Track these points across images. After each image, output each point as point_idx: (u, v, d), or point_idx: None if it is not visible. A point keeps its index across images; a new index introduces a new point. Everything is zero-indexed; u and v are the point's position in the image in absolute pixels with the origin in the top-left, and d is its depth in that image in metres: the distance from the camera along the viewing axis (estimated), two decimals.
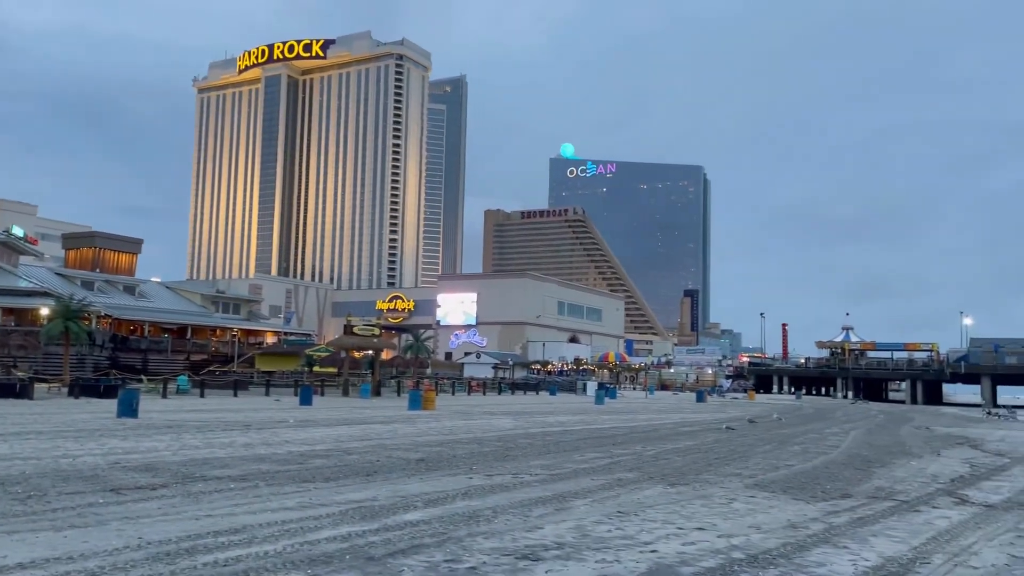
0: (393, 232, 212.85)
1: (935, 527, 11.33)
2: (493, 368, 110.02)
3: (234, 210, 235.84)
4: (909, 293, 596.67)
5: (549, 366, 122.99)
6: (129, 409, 27.98)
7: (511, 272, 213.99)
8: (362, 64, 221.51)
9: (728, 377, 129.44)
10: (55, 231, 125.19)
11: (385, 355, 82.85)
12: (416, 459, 17.69)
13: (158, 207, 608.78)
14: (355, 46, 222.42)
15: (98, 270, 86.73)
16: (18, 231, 73.77)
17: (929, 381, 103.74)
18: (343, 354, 66.72)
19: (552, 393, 78.60)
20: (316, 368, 71.92)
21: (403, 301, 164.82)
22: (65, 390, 45.21)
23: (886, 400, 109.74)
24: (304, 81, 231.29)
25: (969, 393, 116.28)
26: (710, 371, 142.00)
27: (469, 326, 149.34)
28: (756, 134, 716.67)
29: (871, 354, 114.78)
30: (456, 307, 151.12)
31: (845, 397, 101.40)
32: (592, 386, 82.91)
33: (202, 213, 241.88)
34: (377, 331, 66.97)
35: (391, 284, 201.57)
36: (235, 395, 50.26)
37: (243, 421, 28.17)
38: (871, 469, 18.75)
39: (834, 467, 18.88)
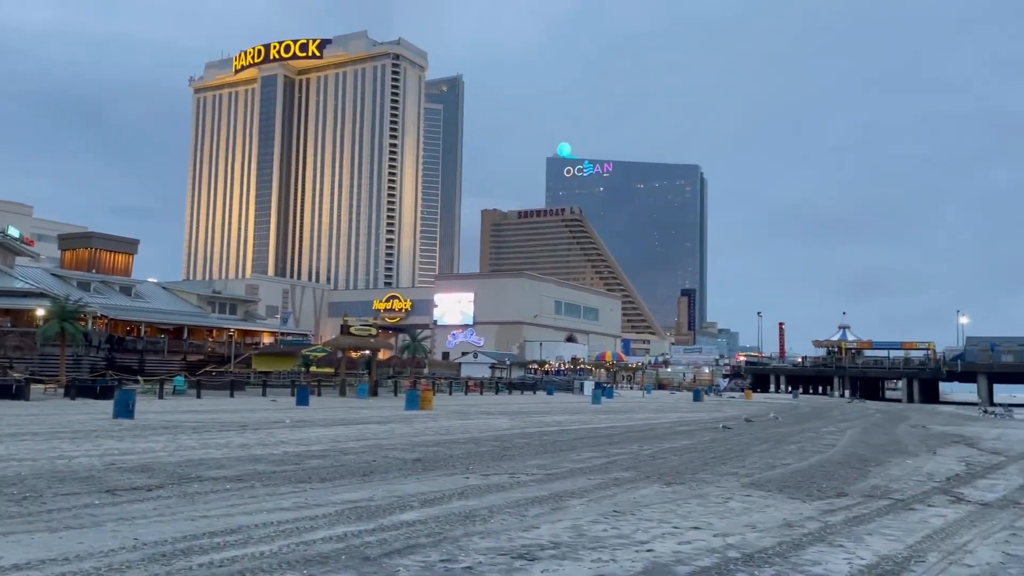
0: (390, 232, 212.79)
1: (930, 525, 11.35)
2: (490, 368, 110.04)
3: (230, 210, 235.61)
4: (906, 292, 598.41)
5: (546, 366, 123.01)
6: (125, 410, 27.94)
7: (508, 272, 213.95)
8: (358, 64, 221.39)
9: (725, 376, 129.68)
10: (51, 232, 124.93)
11: (382, 355, 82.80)
12: (413, 459, 17.69)
13: (154, 207, 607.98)
14: (351, 46, 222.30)
15: (94, 271, 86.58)
16: (14, 232, 73.50)
17: (926, 380, 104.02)
18: (340, 354, 66.65)
19: (549, 393, 78.62)
20: (313, 368, 71.85)
21: (400, 301, 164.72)
22: (61, 391, 45.13)
23: (883, 399, 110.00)
24: (300, 81, 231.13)
25: (966, 391, 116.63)
26: (707, 370, 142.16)
27: (466, 326, 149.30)
28: (753, 133, 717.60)
29: (868, 353, 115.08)
30: (453, 307, 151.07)
31: (842, 396, 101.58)
32: (589, 386, 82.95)
33: (198, 213, 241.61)
34: (374, 331, 66.81)
35: (388, 284, 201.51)
36: (232, 395, 50.19)
37: (239, 422, 28.15)
38: (867, 468, 18.79)
39: (830, 466, 18.92)
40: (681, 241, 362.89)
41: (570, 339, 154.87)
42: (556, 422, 33.29)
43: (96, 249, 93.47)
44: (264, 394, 53.44)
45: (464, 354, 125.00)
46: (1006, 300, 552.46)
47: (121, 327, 71.62)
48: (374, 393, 58.59)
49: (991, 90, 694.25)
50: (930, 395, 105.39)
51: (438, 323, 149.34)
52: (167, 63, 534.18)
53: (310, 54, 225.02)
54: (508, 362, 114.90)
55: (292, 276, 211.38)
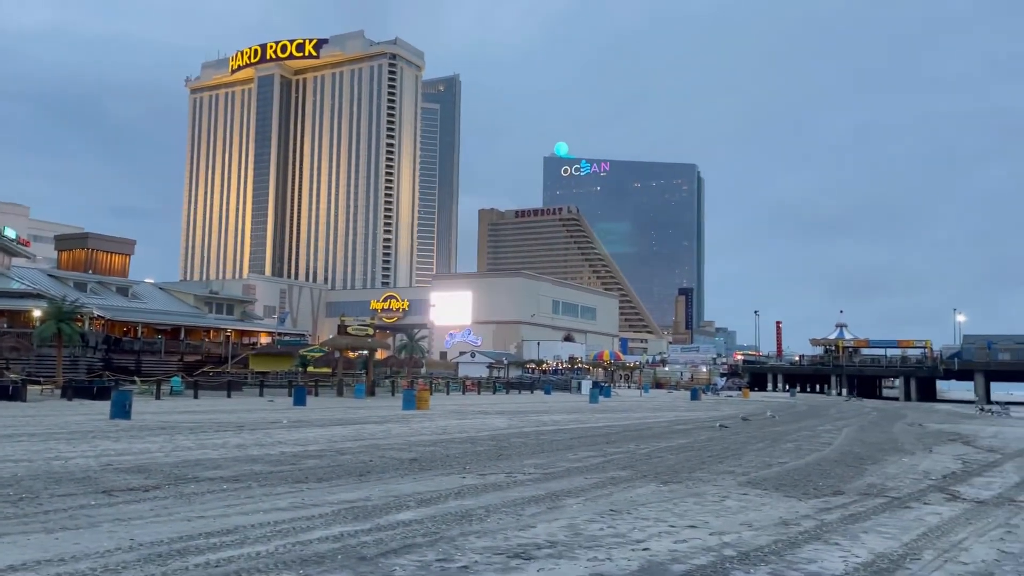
0: (387, 232, 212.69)
1: (926, 523, 11.38)
2: (488, 367, 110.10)
3: (227, 210, 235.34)
4: (903, 291, 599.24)
5: (544, 365, 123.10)
6: (122, 411, 27.91)
7: (505, 271, 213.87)
8: (355, 63, 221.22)
9: (723, 375, 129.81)
10: (47, 232, 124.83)
11: (379, 355, 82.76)
12: (409, 459, 17.70)
13: (151, 208, 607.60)
14: (348, 45, 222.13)
15: (91, 271, 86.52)
16: (10, 233, 73.38)
17: (923, 378, 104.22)
18: (337, 354, 66.67)
19: (547, 392, 78.67)
20: (310, 368, 71.81)
21: (397, 301, 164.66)
22: (58, 392, 45.09)
23: (880, 397, 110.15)
24: (297, 81, 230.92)
25: (963, 389, 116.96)
26: (705, 369, 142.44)
27: (464, 325, 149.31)
28: (750, 132, 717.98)
29: (865, 351, 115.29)
30: (450, 306, 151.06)
31: (839, 394, 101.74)
32: (587, 385, 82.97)
33: (195, 214, 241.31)
34: (371, 331, 66.82)
35: (385, 284, 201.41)
36: (229, 396, 50.14)
37: (236, 422, 28.13)
38: (863, 466, 18.82)
39: (827, 464, 18.95)
40: (678, 240, 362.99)
41: (568, 338, 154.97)
42: (553, 421, 33.31)
43: (92, 250, 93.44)
44: (261, 394, 53.40)
45: (462, 354, 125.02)
46: (1003, 298, 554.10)
47: (118, 328, 71.57)
48: (372, 393, 58.57)
49: (985, 87, 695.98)
50: (927, 393, 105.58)
51: (436, 323, 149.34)
52: (165, 63, 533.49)
53: (306, 54, 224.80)
54: (506, 361, 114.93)
55: (289, 276, 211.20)
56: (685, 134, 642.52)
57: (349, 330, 63.46)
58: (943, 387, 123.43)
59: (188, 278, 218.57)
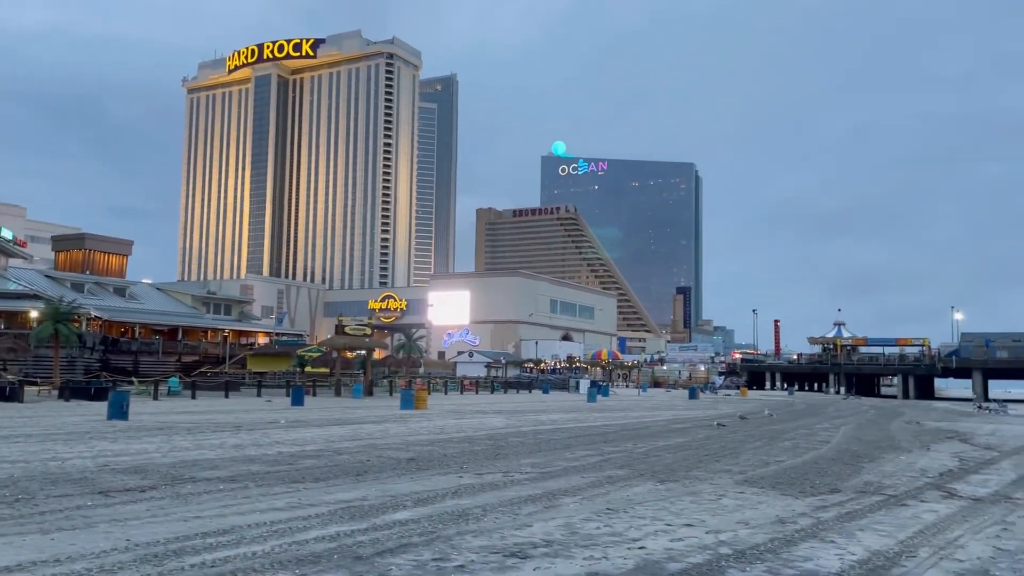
0: (385, 231, 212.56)
1: (922, 521, 11.39)
2: (486, 367, 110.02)
3: (225, 211, 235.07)
4: (901, 289, 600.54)
5: (542, 364, 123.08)
6: (119, 411, 27.88)
7: (503, 271, 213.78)
8: (352, 63, 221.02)
9: (721, 374, 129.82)
10: (44, 233, 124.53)
11: (377, 355, 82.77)
12: (407, 458, 17.70)
13: (148, 208, 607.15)
14: (345, 45, 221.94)
15: (88, 272, 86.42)
16: (7, 233, 73.31)
17: (921, 376, 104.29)
18: (335, 354, 66.63)
19: (545, 391, 78.69)
20: (308, 368, 71.77)
21: (395, 301, 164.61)
22: (55, 393, 45.03)
23: (878, 395, 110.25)
24: (294, 80, 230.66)
25: (961, 387, 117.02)
26: (703, 368, 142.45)
27: (462, 325, 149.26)
28: (749, 131, 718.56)
29: (863, 349, 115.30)
30: (448, 306, 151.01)
31: (837, 392, 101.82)
32: (585, 384, 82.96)
33: (192, 214, 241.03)
34: (369, 331, 66.80)
35: (383, 284, 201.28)
36: (226, 396, 50.10)
37: (234, 422, 28.11)
38: (860, 464, 18.85)
39: (824, 462, 18.97)
40: (676, 239, 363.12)
41: (566, 338, 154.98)
42: (551, 420, 33.31)
43: (90, 250, 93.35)
44: (259, 395, 53.38)
45: (460, 353, 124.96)
46: (1001, 296, 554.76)
47: (115, 328, 71.47)
48: (369, 393, 58.55)
49: (982, 84, 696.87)
50: (925, 391, 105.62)
51: (433, 323, 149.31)
52: (160, 63, 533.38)
53: (304, 54, 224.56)
54: (504, 361, 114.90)
55: (287, 276, 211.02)
56: (684, 134, 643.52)
57: (347, 330, 63.44)
58: (941, 385, 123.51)
59: (186, 278, 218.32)
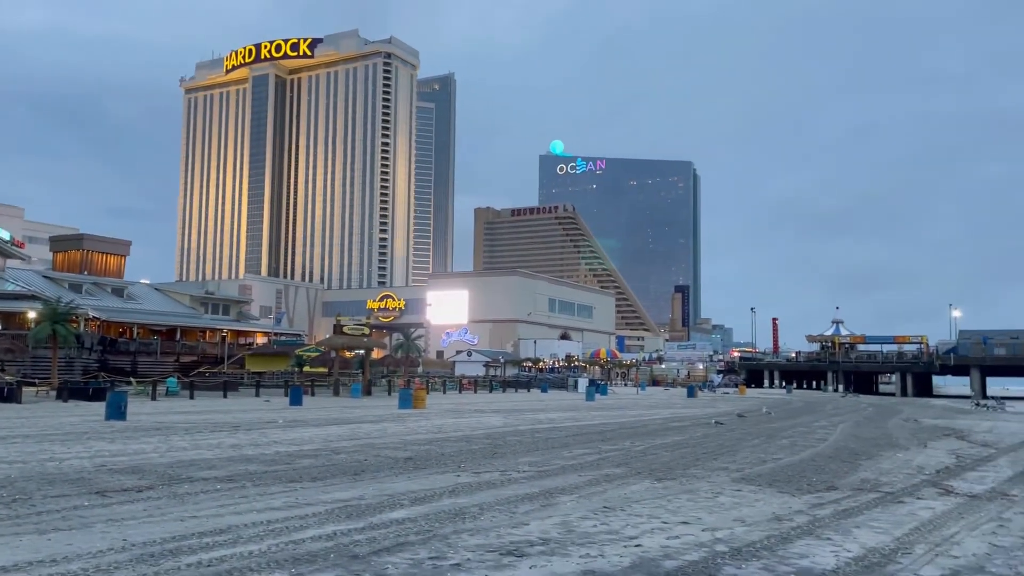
0: (383, 231, 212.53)
1: (919, 518, 11.42)
2: (484, 366, 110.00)
3: (223, 211, 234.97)
4: (899, 286, 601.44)
5: (540, 363, 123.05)
6: (117, 412, 27.87)
7: (502, 270, 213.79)
8: (350, 63, 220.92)
9: (719, 372, 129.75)
10: (42, 234, 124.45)
11: (376, 354, 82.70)
12: (404, 458, 17.70)
13: (146, 208, 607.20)
14: (343, 45, 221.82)
15: (86, 272, 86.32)
16: (4, 234, 73.30)
17: (919, 373, 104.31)
18: (333, 354, 66.57)
19: (543, 390, 78.68)
20: (306, 368, 71.73)
21: (393, 300, 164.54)
22: (53, 393, 44.98)
23: (876, 393, 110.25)
24: (292, 80, 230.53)
25: (959, 385, 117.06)
26: (701, 366, 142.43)
27: (460, 324, 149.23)
28: (749, 131, 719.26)
29: (861, 347, 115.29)
30: (447, 305, 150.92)
31: (835, 390, 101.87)
32: (583, 383, 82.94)
33: (191, 214, 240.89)
34: (367, 330, 66.83)
35: (381, 283, 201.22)
36: (225, 396, 50.06)
37: (232, 422, 28.11)
38: (858, 461, 18.86)
39: (821, 460, 18.99)
40: (675, 238, 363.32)
41: (564, 336, 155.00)
42: (549, 419, 33.32)
43: (88, 251, 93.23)
44: (257, 395, 53.34)
45: (458, 352, 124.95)
46: (999, 294, 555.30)
47: (113, 329, 71.43)
48: (368, 392, 58.53)
49: (980, 83, 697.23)
50: (923, 389, 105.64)
51: (432, 322, 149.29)
52: (161, 63, 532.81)
53: (301, 53, 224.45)
54: (502, 360, 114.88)
55: (285, 276, 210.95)
56: (684, 133, 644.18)
57: (345, 330, 63.44)
58: (939, 382, 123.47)
59: (184, 278, 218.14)
